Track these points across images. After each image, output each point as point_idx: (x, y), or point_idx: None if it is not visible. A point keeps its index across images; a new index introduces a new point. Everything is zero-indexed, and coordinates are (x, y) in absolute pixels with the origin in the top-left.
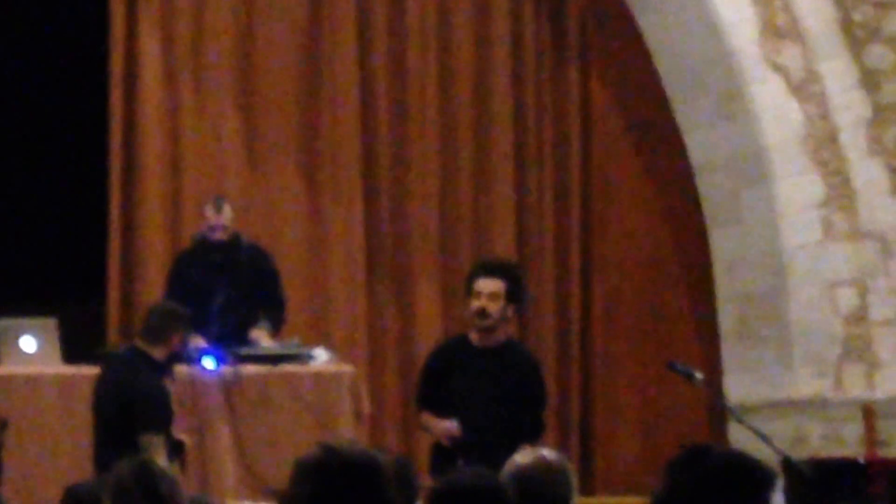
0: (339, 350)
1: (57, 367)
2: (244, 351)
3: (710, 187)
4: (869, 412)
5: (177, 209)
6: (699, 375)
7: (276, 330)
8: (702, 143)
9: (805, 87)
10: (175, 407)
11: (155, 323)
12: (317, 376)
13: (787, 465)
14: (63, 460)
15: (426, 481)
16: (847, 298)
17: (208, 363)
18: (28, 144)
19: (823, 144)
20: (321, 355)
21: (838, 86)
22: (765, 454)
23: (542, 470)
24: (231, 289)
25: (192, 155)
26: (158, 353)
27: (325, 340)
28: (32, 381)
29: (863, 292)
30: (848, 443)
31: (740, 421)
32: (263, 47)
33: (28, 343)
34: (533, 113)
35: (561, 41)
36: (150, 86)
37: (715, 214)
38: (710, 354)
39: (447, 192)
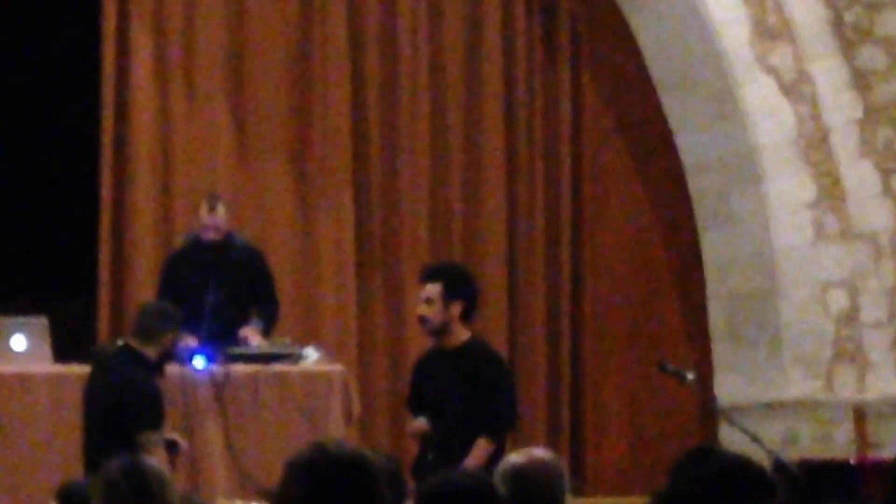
0: (329, 349)
1: (47, 365)
2: (234, 350)
3: (702, 188)
4: (860, 413)
5: (167, 208)
6: (690, 376)
7: (268, 330)
8: (693, 143)
9: (796, 88)
10: (166, 406)
11: (147, 322)
12: (307, 376)
13: (778, 466)
14: (54, 459)
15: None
16: (838, 299)
17: (198, 362)
18: (19, 143)
19: (815, 145)
20: (311, 355)
21: (830, 86)
22: (756, 455)
23: (535, 469)
24: (223, 288)
25: (183, 153)
26: (151, 352)
27: (315, 340)
28: (23, 380)
29: (854, 293)
30: (839, 444)
31: (731, 422)
32: (255, 47)
33: (18, 342)
34: (524, 112)
35: (552, 41)
36: (142, 84)
37: (706, 215)
38: (700, 355)
39: (437, 192)
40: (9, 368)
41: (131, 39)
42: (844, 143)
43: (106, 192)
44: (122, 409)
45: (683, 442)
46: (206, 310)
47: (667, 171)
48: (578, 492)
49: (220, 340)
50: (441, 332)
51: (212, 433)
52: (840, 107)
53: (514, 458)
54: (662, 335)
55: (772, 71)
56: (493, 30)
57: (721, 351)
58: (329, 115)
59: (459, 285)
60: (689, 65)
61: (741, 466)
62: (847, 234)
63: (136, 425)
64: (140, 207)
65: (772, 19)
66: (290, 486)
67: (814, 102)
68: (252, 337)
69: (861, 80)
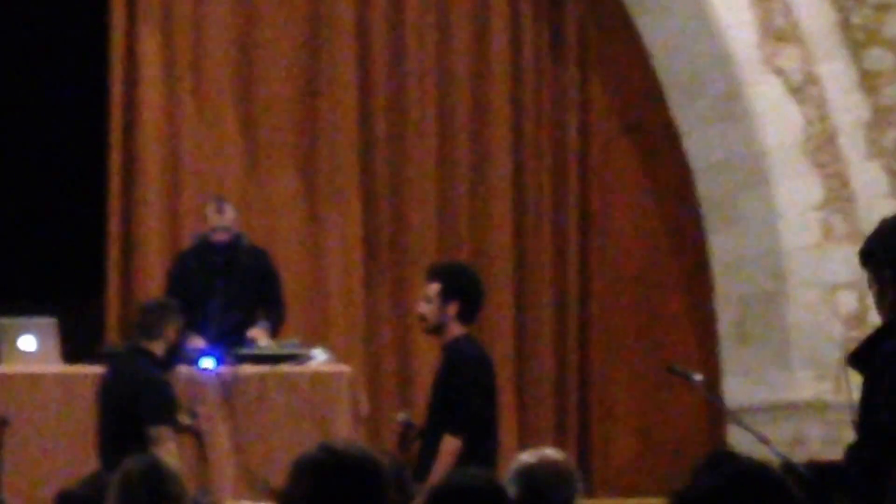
0: (337, 351)
1: (56, 366)
2: (243, 351)
3: (709, 189)
4: None
5: (175, 210)
6: (698, 377)
7: (275, 330)
8: (701, 145)
9: (804, 90)
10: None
11: (148, 319)
12: (315, 377)
13: (787, 467)
14: (62, 459)
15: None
16: (846, 301)
17: (207, 363)
18: (28, 145)
19: (822, 146)
20: (319, 356)
21: (837, 88)
22: (764, 457)
23: (546, 469)
24: (230, 290)
25: (191, 156)
26: (158, 347)
27: (323, 341)
28: (32, 381)
29: (862, 295)
30: None
31: (739, 423)
32: (263, 51)
33: (28, 342)
34: (531, 114)
35: (559, 43)
36: (150, 88)
37: (714, 216)
38: (708, 357)
39: (445, 194)
40: (18, 369)
41: (140, 43)
42: (852, 144)
43: (115, 194)
44: (133, 404)
45: (691, 443)
46: (213, 311)
47: (674, 172)
48: (586, 493)
49: (228, 341)
50: (437, 330)
51: (220, 433)
52: (848, 108)
53: (526, 457)
54: (670, 337)
55: (779, 72)
56: (500, 32)
57: (729, 352)
58: (337, 118)
59: (457, 285)
60: (696, 67)
61: (760, 473)
62: (855, 235)
63: (148, 419)
64: (148, 210)
65: (779, 21)
66: (297, 486)
67: (821, 104)
68: (260, 338)
69: (869, 82)
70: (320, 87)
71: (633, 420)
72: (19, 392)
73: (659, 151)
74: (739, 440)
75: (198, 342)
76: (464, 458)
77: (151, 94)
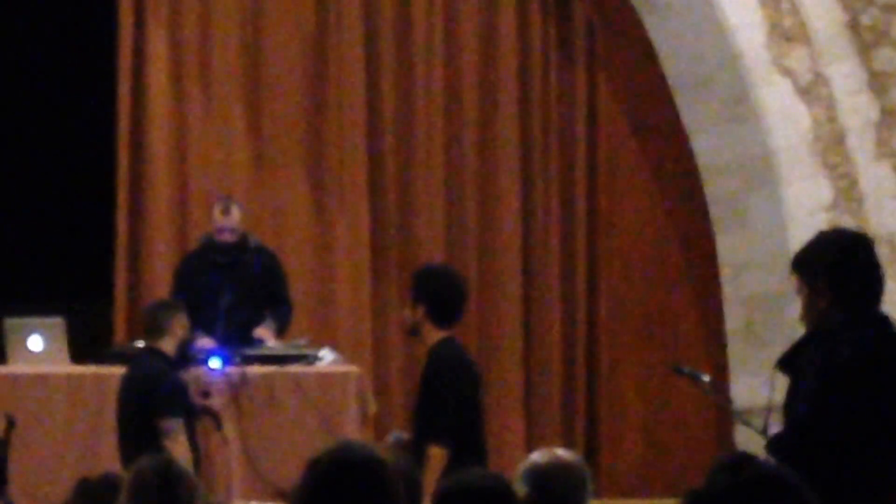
0: (345, 351)
1: (64, 366)
2: (250, 351)
3: (717, 190)
4: None
5: (183, 210)
6: (706, 378)
7: (282, 331)
8: (709, 145)
9: (813, 90)
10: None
11: (151, 318)
12: (323, 377)
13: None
14: (70, 459)
15: None
16: None
17: (215, 364)
18: (36, 145)
19: (831, 147)
20: (327, 356)
21: (846, 89)
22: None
23: (557, 469)
24: (238, 290)
25: (199, 156)
26: (167, 346)
27: (331, 341)
28: (40, 380)
29: None
30: None
31: (746, 424)
32: (270, 49)
33: (36, 342)
34: (539, 115)
35: (567, 43)
36: (158, 86)
37: (722, 217)
38: (716, 357)
39: (453, 195)
40: (26, 368)
41: (148, 45)
42: (861, 145)
43: (122, 195)
44: (147, 398)
45: (699, 444)
46: (220, 311)
47: (682, 173)
48: (593, 493)
49: (235, 342)
50: (413, 333)
51: (228, 434)
52: (856, 109)
53: (537, 457)
54: (678, 337)
55: (788, 73)
56: (508, 33)
57: (737, 353)
58: (344, 119)
59: (424, 289)
60: (704, 67)
61: (777, 477)
62: None
63: (158, 412)
64: (156, 211)
65: (788, 22)
66: (306, 486)
67: (830, 105)
68: (267, 337)
69: (877, 83)
70: (328, 89)
71: (641, 420)
72: (27, 392)
73: (667, 152)
74: (747, 440)
75: (205, 342)
76: (448, 466)
77: (159, 95)
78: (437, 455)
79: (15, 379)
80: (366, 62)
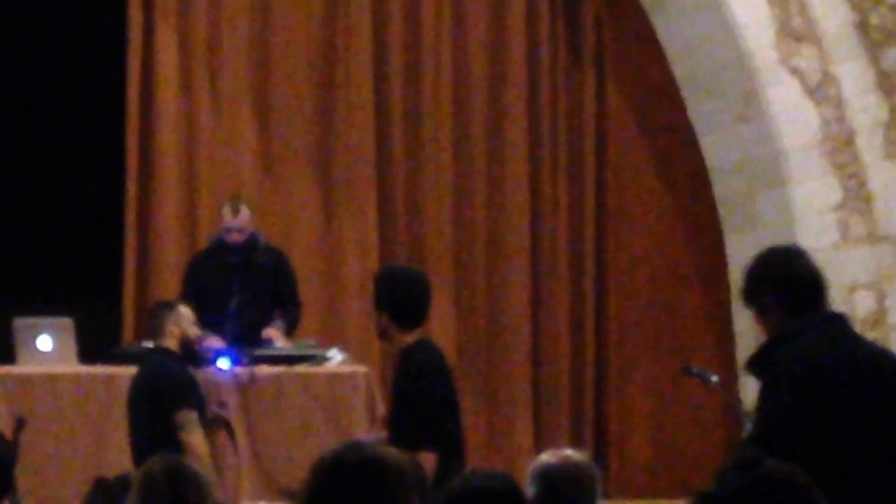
0: (353, 351)
1: (73, 366)
2: (259, 351)
3: (726, 190)
4: None
5: (192, 211)
6: (715, 378)
7: (290, 331)
8: (717, 145)
9: (821, 90)
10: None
11: (150, 322)
12: (331, 377)
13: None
14: (79, 459)
15: None
16: (864, 302)
17: (223, 364)
18: (46, 146)
19: (840, 147)
20: (336, 356)
21: (855, 88)
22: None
23: (567, 470)
24: (247, 290)
25: (208, 158)
26: (171, 343)
27: (339, 342)
28: (49, 380)
29: (880, 296)
30: None
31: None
32: (279, 50)
33: (45, 342)
34: (548, 116)
35: (576, 44)
36: (167, 89)
37: (730, 217)
38: (725, 357)
39: (461, 197)
40: (35, 368)
41: (157, 45)
42: (870, 145)
43: (131, 196)
44: (159, 394)
45: (708, 444)
46: (230, 311)
47: (691, 173)
48: (602, 494)
49: (244, 342)
50: (384, 339)
51: (237, 434)
52: (865, 109)
53: (547, 458)
54: (687, 337)
55: (797, 73)
56: (517, 33)
57: (746, 353)
58: (353, 120)
59: (383, 293)
60: (713, 67)
61: (788, 477)
62: (873, 236)
63: (172, 406)
64: (165, 211)
65: (796, 21)
66: (314, 486)
67: (839, 104)
68: (276, 337)
69: (886, 82)
70: (336, 90)
71: (650, 421)
72: (36, 392)
73: (676, 152)
74: None
75: (214, 342)
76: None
77: (168, 96)
78: (428, 460)
79: (24, 379)
80: (374, 63)
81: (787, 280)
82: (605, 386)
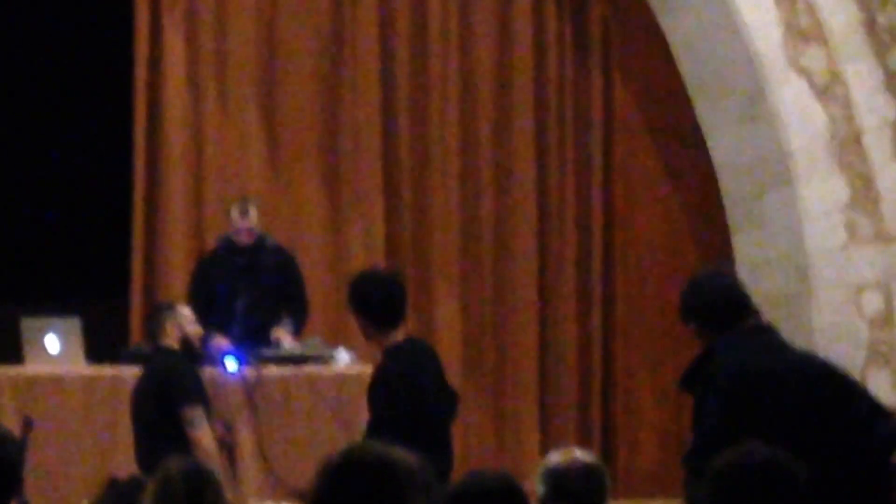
0: (360, 352)
1: (80, 366)
2: (266, 352)
3: (734, 190)
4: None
5: (200, 211)
6: None
7: (298, 331)
8: (725, 145)
9: (829, 90)
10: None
11: (151, 324)
12: (338, 377)
13: None
14: (86, 459)
15: None
16: (872, 302)
17: (231, 364)
18: (53, 146)
19: (848, 147)
20: (343, 357)
21: (862, 88)
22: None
23: (575, 470)
24: (254, 290)
25: (215, 158)
26: (172, 343)
27: (346, 342)
28: (56, 381)
29: (888, 296)
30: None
31: None
32: (286, 54)
33: (52, 342)
34: (555, 115)
35: (583, 43)
36: (174, 89)
37: (738, 217)
38: None
39: (468, 196)
40: (42, 369)
41: (164, 46)
42: (877, 144)
43: (139, 197)
44: (166, 392)
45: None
46: (237, 312)
47: (698, 173)
48: (611, 494)
49: (252, 342)
50: (372, 343)
51: (244, 434)
52: (873, 108)
53: (555, 458)
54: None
55: (804, 73)
56: (523, 33)
57: None
58: (359, 121)
59: (354, 297)
60: (720, 66)
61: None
62: (881, 235)
63: (179, 402)
64: (172, 212)
65: (804, 21)
66: (320, 486)
67: (847, 104)
68: (284, 338)
69: (894, 82)
70: (343, 91)
71: (657, 420)
72: (43, 392)
73: (683, 152)
74: None
75: (222, 343)
76: None
77: (175, 97)
78: None
79: (31, 379)
80: (381, 62)
81: (705, 309)
82: (612, 386)
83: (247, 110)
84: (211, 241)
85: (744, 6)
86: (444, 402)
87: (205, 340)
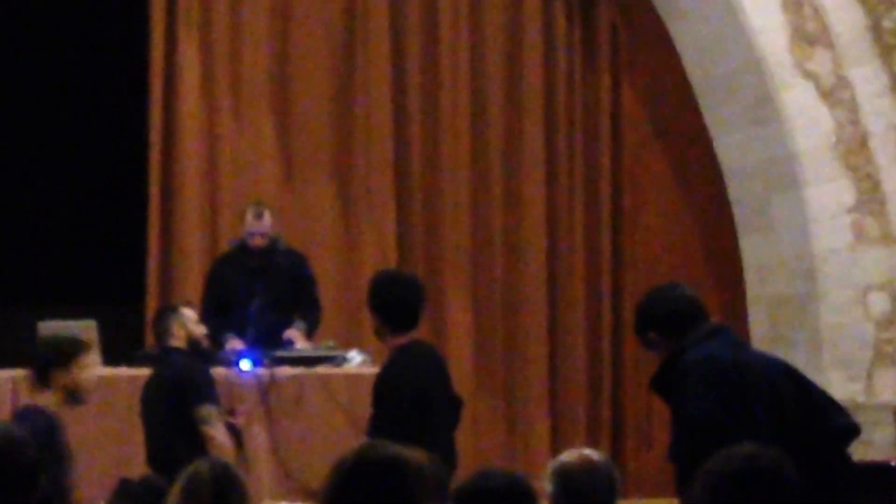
0: (372, 352)
1: (97, 368)
2: (280, 353)
3: (741, 193)
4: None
5: (214, 215)
6: None
7: (311, 332)
8: (732, 148)
9: (835, 93)
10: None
11: (158, 327)
12: (350, 378)
13: None
14: (102, 460)
15: None
16: (878, 303)
17: (245, 365)
18: (69, 151)
19: (853, 150)
20: (355, 357)
21: (868, 92)
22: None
23: (585, 470)
24: (268, 292)
25: (229, 162)
26: (179, 344)
27: (358, 343)
28: None
29: (894, 297)
30: (879, 446)
31: None
32: (299, 59)
33: None
34: (564, 119)
35: (592, 48)
36: (189, 94)
37: (745, 220)
38: None
39: (478, 200)
40: None
41: (179, 53)
42: (883, 147)
43: (154, 201)
44: (179, 391)
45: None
46: (251, 313)
47: (706, 176)
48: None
49: (265, 343)
50: (379, 339)
51: (257, 434)
52: (879, 112)
53: (565, 457)
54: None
55: (810, 76)
56: (532, 38)
57: None
58: (371, 125)
59: (376, 297)
60: (728, 70)
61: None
62: (887, 237)
63: (193, 401)
64: (187, 216)
65: (810, 25)
66: (333, 486)
67: (852, 107)
68: (297, 339)
69: None
70: (355, 99)
71: (667, 420)
72: None
73: (691, 155)
74: None
75: (236, 344)
76: None
77: (190, 103)
78: None
79: None
80: (393, 70)
81: (666, 318)
82: (621, 386)
83: (260, 117)
84: (225, 246)
85: (751, 11)
86: (448, 406)
87: (219, 342)
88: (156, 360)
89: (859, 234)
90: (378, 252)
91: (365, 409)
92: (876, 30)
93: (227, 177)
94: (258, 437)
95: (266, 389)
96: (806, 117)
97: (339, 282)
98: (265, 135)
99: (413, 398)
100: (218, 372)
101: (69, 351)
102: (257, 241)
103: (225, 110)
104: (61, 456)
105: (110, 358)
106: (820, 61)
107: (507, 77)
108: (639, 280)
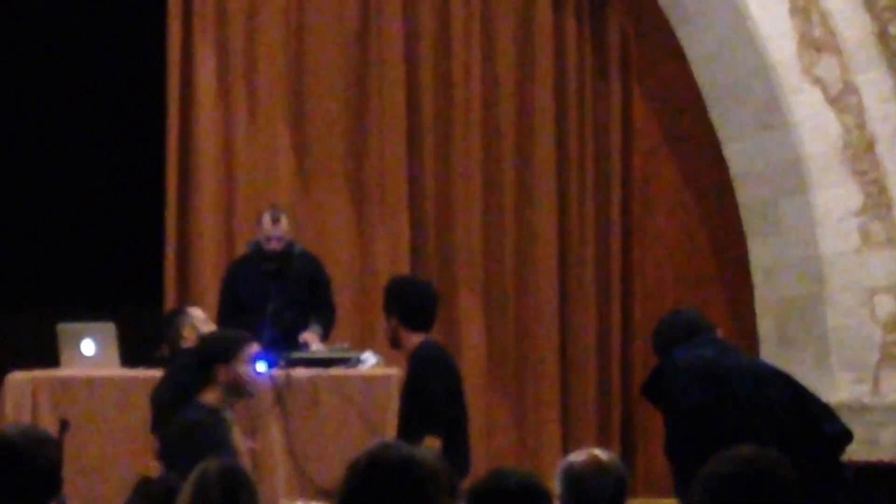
0: (386, 354)
1: (115, 369)
2: (295, 355)
3: (749, 197)
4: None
5: (230, 219)
6: None
7: (326, 334)
8: (741, 153)
9: (842, 99)
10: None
11: (166, 331)
12: (365, 379)
13: None
14: (121, 460)
15: None
16: (885, 305)
17: (260, 367)
18: (88, 155)
19: (861, 154)
20: (369, 359)
21: (875, 97)
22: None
23: (595, 469)
24: (283, 295)
25: (245, 167)
26: (189, 344)
27: (373, 345)
28: (92, 383)
29: None
30: (885, 447)
31: None
32: (314, 69)
33: (88, 346)
34: (575, 125)
35: (602, 54)
36: (206, 101)
37: (754, 223)
38: None
39: (490, 205)
40: (79, 372)
41: (195, 58)
42: (890, 152)
43: (171, 205)
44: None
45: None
46: (267, 316)
47: (715, 180)
48: (629, 493)
49: (281, 345)
50: (396, 344)
51: (273, 435)
52: (886, 117)
53: (575, 457)
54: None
55: (818, 82)
56: (543, 44)
57: (768, 356)
58: (385, 132)
59: (393, 298)
60: (736, 76)
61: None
62: (893, 241)
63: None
64: (204, 221)
65: (818, 32)
66: (347, 486)
67: (859, 113)
68: (312, 341)
69: None
70: (370, 101)
71: None
72: (79, 395)
73: (700, 160)
74: None
75: (252, 346)
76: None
77: (206, 108)
78: (431, 445)
79: (68, 382)
80: (406, 76)
81: (660, 336)
82: (631, 387)
83: (276, 122)
84: (241, 249)
85: (759, 18)
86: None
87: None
88: (166, 362)
89: (866, 238)
90: (391, 256)
91: (379, 409)
92: (883, 36)
93: (242, 182)
94: (274, 438)
95: (281, 391)
96: (813, 122)
97: (353, 285)
98: (280, 142)
99: (442, 387)
100: None
101: (232, 346)
102: (274, 245)
103: (241, 118)
104: (225, 453)
105: (129, 359)
106: (827, 67)
107: (518, 84)
108: (648, 284)
